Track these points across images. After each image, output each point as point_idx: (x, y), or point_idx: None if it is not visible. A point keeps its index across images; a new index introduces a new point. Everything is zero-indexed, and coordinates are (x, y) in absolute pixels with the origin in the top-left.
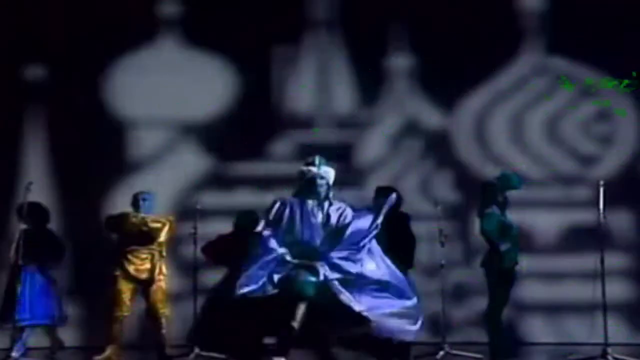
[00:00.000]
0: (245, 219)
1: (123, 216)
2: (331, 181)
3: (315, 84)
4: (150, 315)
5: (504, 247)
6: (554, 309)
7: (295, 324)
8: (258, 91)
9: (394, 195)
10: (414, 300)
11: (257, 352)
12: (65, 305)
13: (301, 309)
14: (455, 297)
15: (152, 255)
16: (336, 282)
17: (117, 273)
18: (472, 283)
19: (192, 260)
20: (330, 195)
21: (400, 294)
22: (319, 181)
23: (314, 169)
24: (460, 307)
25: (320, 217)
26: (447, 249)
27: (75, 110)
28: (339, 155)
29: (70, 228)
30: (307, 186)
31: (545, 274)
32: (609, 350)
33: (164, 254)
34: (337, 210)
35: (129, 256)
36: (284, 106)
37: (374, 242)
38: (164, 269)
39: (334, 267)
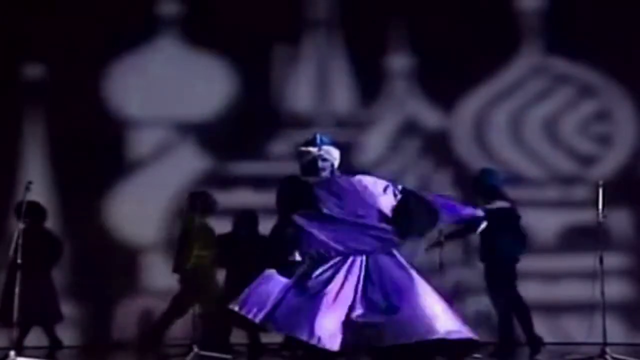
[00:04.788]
0: (244, 219)
1: None
2: (336, 162)
3: (314, 83)
4: None
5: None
6: (553, 309)
7: None
8: (257, 90)
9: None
10: None
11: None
12: (62, 304)
13: None
14: (455, 296)
15: None
16: None
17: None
18: (472, 282)
19: None
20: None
21: None
22: (321, 163)
23: (313, 150)
24: (459, 306)
25: None
26: (447, 248)
27: (74, 110)
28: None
29: (70, 228)
30: (307, 169)
31: (544, 273)
32: (608, 350)
33: None
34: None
35: None
36: (283, 106)
37: None
38: None
39: None
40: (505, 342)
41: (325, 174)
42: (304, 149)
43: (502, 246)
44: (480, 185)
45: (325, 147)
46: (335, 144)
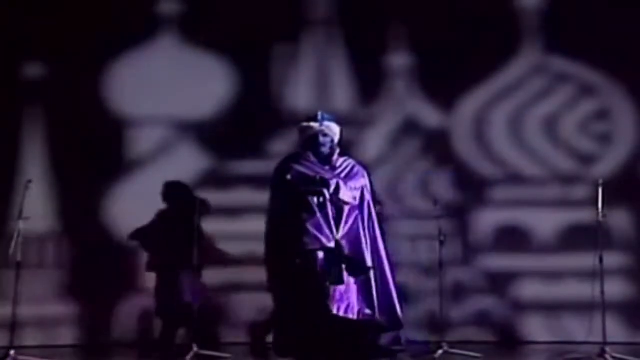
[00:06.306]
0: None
1: None
2: (336, 138)
3: (314, 82)
4: None
5: None
6: (552, 308)
7: None
8: (257, 89)
9: None
10: None
11: None
12: (62, 304)
13: None
14: (454, 295)
15: None
16: None
17: None
18: (471, 282)
19: None
20: (336, 154)
21: None
22: (322, 139)
23: (315, 125)
24: (459, 305)
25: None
26: (446, 247)
27: (74, 109)
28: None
29: (70, 227)
30: (308, 144)
31: (544, 273)
32: (608, 349)
33: None
34: (344, 163)
35: None
36: (283, 105)
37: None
38: None
39: None
40: (505, 342)
41: (325, 149)
42: (305, 124)
43: None
44: None
45: (326, 123)
46: (336, 121)
